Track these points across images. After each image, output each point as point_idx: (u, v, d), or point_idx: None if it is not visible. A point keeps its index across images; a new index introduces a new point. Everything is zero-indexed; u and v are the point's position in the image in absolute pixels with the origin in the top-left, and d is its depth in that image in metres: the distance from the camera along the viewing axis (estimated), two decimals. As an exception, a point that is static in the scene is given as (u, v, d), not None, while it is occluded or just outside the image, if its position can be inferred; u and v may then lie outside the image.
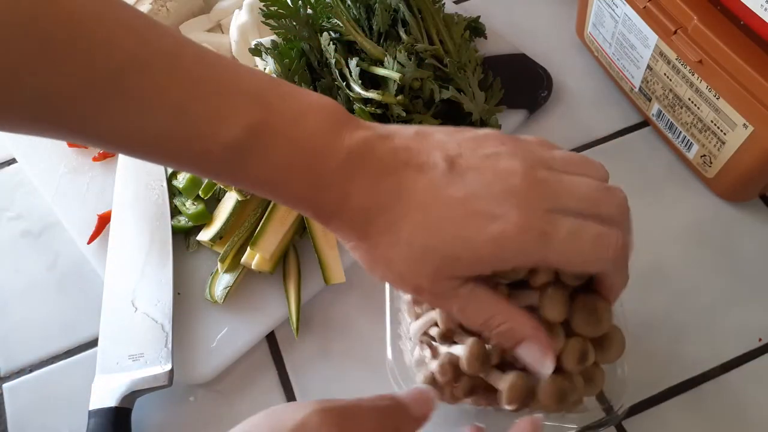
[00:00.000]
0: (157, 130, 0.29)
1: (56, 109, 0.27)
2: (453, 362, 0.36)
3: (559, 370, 0.35)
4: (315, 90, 0.54)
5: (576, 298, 0.36)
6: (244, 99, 0.30)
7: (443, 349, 0.37)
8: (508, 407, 0.34)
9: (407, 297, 0.40)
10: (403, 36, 0.56)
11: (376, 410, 0.30)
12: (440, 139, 0.33)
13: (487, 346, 0.35)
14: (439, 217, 0.31)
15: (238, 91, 0.30)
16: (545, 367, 0.33)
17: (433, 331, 0.38)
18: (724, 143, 0.50)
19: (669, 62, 0.51)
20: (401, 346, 0.41)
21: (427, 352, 0.38)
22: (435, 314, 0.38)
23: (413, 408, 0.32)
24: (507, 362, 0.36)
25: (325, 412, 0.28)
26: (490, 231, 0.30)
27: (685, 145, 0.55)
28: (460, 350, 0.35)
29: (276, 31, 0.56)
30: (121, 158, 0.56)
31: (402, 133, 0.33)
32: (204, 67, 0.30)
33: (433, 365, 0.36)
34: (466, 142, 0.33)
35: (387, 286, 0.41)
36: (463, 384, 0.36)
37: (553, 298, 0.35)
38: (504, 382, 0.35)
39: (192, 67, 0.29)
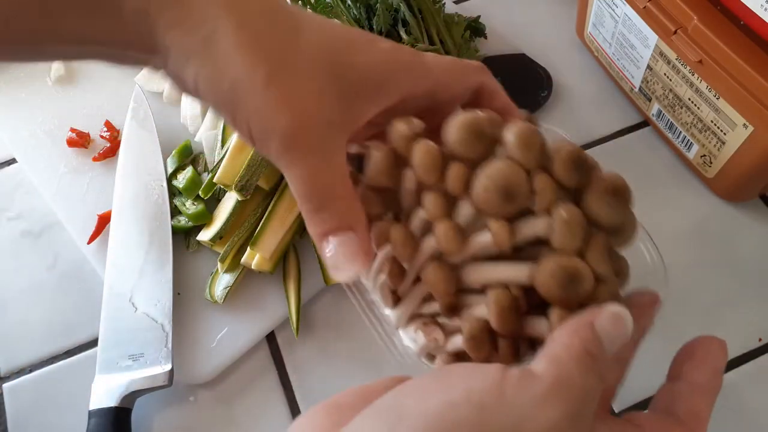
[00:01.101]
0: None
1: None
2: (485, 328, 0.28)
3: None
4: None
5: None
6: None
7: (456, 322, 0.29)
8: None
9: (381, 278, 0.30)
10: (404, 36, 0.56)
11: None
12: None
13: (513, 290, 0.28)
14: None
15: None
16: (353, 264, 0.27)
17: (431, 309, 0.30)
18: (724, 143, 0.50)
19: (669, 62, 0.51)
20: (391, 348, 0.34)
21: (438, 334, 0.30)
22: (422, 288, 0.30)
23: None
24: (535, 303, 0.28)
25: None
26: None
27: (685, 145, 0.55)
28: (482, 311, 0.28)
29: (276, 31, 0.56)
30: (121, 158, 0.56)
31: None
32: None
33: (455, 343, 0.29)
34: None
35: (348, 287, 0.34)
36: (504, 349, 0.28)
37: (571, 221, 0.26)
38: (542, 323, 0.27)
39: None
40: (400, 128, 0.28)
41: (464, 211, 0.27)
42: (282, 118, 0.26)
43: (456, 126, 0.27)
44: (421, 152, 0.27)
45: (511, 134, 0.26)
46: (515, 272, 0.27)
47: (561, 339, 0.23)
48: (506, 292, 0.27)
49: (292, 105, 0.26)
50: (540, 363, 0.23)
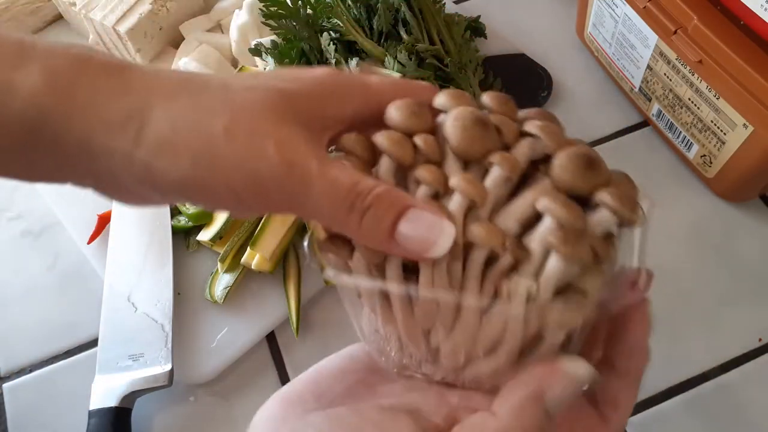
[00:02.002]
0: None
1: None
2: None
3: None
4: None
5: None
6: None
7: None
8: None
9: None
10: (404, 36, 0.56)
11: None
12: None
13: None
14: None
15: None
16: (444, 236, 0.23)
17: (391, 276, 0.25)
18: (724, 143, 0.50)
19: (669, 62, 0.51)
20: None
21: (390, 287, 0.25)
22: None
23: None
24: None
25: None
26: None
27: (685, 145, 0.55)
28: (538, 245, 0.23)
29: (276, 31, 0.56)
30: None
31: None
32: None
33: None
34: None
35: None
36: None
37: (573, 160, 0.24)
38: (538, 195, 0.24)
39: None
40: (349, 138, 0.27)
41: (452, 162, 0.26)
42: (268, 158, 0.23)
43: (394, 108, 0.26)
44: (388, 141, 0.25)
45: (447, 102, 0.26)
46: (540, 189, 0.25)
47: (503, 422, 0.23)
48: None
49: (269, 144, 0.23)
50: None
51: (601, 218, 0.24)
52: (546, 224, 0.23)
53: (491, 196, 0.25)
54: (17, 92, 0.22)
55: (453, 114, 0.25)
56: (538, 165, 0.26)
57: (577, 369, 0.24)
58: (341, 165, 0.24)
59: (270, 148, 0.22)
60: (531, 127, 0.26)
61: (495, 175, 0.25)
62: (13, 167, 0.24)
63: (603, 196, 0.24)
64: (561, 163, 0.24)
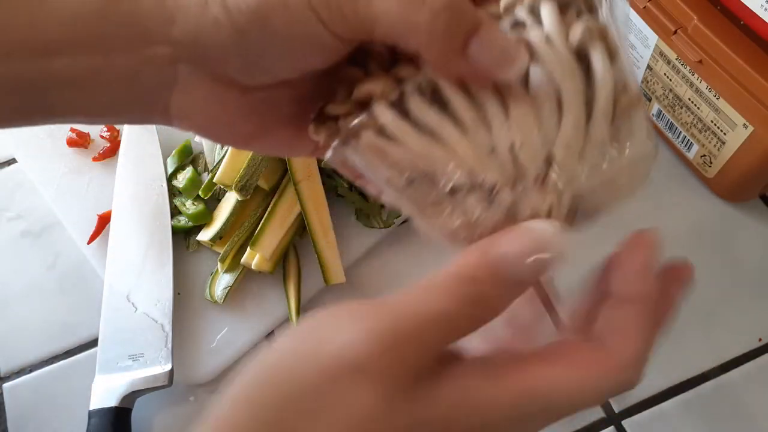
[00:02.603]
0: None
1: None
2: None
3: None
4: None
5: None
6: None
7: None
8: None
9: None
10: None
11: (446, 317, 0.21)
12: None
13: None
14: None
15: None
16: (515, 63, 0.22)
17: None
18: (724, 143, 0.50)
19: (669, 62, 0.51)
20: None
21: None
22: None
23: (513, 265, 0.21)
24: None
25: (381, 338, 0.20)
26: None
27: (685, 145, 0.55)
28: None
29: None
30: (121, 158, 0.56)
31: None
32: None
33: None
34: None
35: None
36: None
37: None
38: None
39: None
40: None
41: None
42: None
43: None
44: None
45: None
46: None
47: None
48: None
49: None
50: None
51: None
52: None
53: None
54: None
55: None
56: None
57: (539, 226, 0.21)
58: None
59: None
60: None
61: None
62: (88, 54, 0.24)
63: None
64: None
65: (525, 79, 0.23)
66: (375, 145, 0.23)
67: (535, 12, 0.23)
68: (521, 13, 0.23)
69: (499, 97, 0.23)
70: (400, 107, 0.23)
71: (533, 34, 0.23)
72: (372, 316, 0.21)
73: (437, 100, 0.23)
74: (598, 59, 0.23)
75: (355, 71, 0.25)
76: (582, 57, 0.23)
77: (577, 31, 0.22)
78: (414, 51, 0.22)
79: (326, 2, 0.22)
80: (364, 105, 0.24)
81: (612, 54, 0.23)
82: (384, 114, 0.23)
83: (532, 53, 0.22)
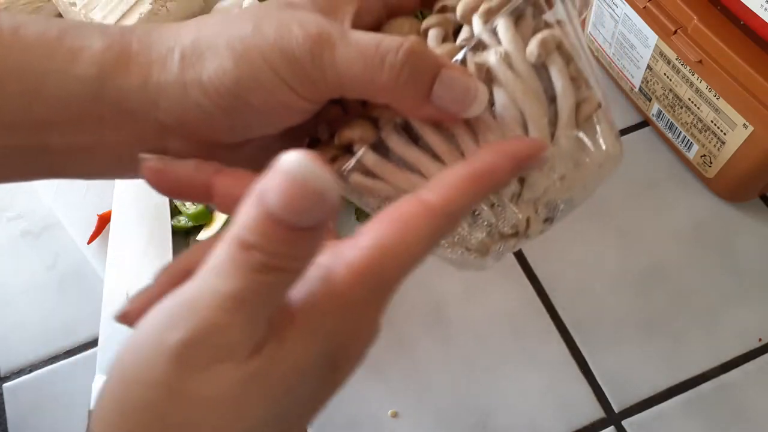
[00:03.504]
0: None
1: None
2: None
3: None
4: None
5: None
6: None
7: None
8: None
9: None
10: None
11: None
12: None
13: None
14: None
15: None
16: (477, 101, 0.24)
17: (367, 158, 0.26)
18: (724, 143, 0.50)
19: (669, 62, 0.51)
20: None
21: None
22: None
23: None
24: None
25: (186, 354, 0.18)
26: None
27: (685, 145, 0.55)
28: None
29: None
30: (121, 158, 0.56)
31: None
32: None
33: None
34: None
35: None
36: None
37: None
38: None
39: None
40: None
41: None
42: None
43: None
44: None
45: None
46: None
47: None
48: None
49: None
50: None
51: None
52: None
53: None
54: (81, 59, 0.25)
55: None
56: None
57: (288, 159, 0.17)
58: (361, 31, 0.25)
59: (295, 29, 0.24)
60: None
61: None
62: (82, 133, 0.26)
63: None
64: None
65: (491, 100, 0.25)
66: (363, 184, 0.26)
67: (493, 29, 0.25)
68: (478, 28, 0.26)
69: (468, 126, 0.25)
70: (380, 147, 0.26)
71: (492, 60, 0.25)
72: (170, 331, 0.19)
73: (412, 133, 0.26)
74: (557, 76, 0.25)
75: (334, 109, 0.28)
76: (543, 65, 0.25)
77: (532, 47, 0.25)
78: (384, 103, 0.25)
79: (293, 72, 0.24)
80: (348, 147, 0.27)
81: (569, 59, 0.25)
82: (368, 157, 0.25)
83: (494, 78, 0.25)
